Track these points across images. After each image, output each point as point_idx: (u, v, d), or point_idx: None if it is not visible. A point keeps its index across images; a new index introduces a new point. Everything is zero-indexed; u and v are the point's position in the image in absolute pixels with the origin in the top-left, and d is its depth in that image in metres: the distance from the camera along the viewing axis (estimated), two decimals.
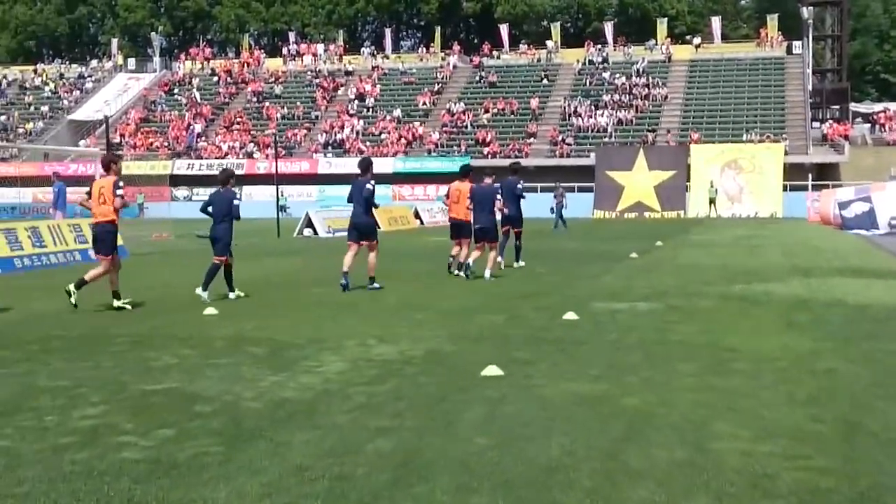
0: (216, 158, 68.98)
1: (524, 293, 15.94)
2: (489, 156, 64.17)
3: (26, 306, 14.40)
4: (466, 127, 69.05)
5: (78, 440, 6.71)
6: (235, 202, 15.55)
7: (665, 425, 7.02)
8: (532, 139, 66.05)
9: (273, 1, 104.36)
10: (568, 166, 61.50)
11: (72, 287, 14.11)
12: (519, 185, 20.76)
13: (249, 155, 69.52)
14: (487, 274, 18.23)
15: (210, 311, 13.53)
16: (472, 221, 18.66)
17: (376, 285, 16.56)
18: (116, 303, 14.13)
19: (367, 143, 68.49)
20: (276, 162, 39.71)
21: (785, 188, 58.35)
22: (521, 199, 20.85)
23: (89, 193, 14.40)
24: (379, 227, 17.14)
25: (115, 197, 14.09)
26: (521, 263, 20.74)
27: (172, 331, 11.83)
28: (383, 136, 69.19)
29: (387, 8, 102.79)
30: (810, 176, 59.36)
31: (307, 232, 36.15)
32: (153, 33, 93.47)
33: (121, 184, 14.21)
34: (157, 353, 10.21)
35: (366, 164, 17.21)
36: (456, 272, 18.85)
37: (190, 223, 43.15)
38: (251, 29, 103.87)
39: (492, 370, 8.96)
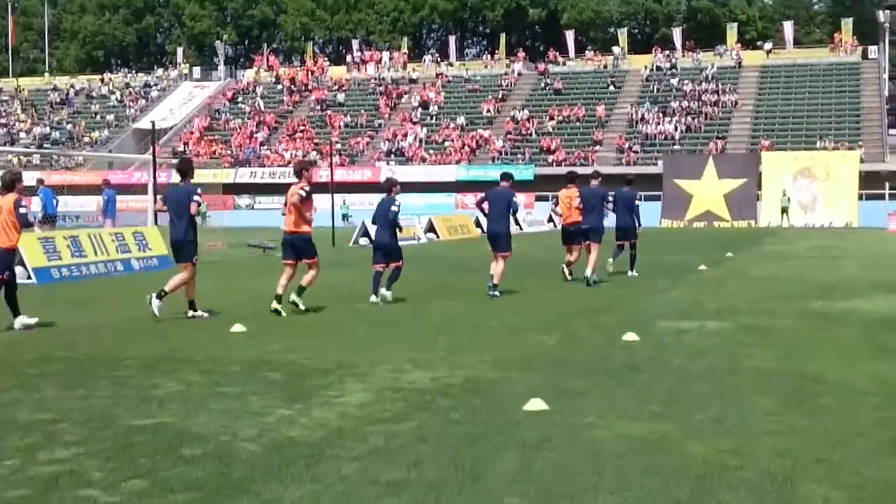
0: (279, 166, 68.41)
1: (582, 309, 14.68)
2: (553, 164, 62.80)
3: (43, 321, 13.43)
4: (531, 134, 67.73)
5: (30, 494, 5.61)
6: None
7: (740, 483, 5.74)
8: (598, 147, 64.55)
9: (338, 9, 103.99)
10: (635, 174, 59.84)
11: (152, 297, 13.60)
12: (635, 197, 21.25)
13: (312, 163, 68.74)
14: (589, 272, 18.51)
15: (238, 328, 12.46)
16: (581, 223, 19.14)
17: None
18: (191, 313, 14.00)
19: (430, 151, 67.51)
20: (332, 170, 38.64)
21: (860, 197, 56.19)
22: (636, 210, 21.15)
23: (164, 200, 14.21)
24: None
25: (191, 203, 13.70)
26: (635, 273, 20.64)
27: (190, 352, 10.75)
28: (446, 143, 68.14)
29: (451, 15, 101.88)
30: (887, 184, 57.14)
31: (363, 241, 35.10)
32: (218, 41, 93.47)
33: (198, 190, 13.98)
34: (164, 378, 9.12)
35: (389, 184, 16.75)
36: (569, 278, 19.19)
37: (249, 232, 42.49)
38: (316, 37, 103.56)
39: (536, 404, 7.74)
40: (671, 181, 58.74)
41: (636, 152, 63.07)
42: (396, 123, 71.94)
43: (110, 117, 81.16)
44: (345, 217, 60.15)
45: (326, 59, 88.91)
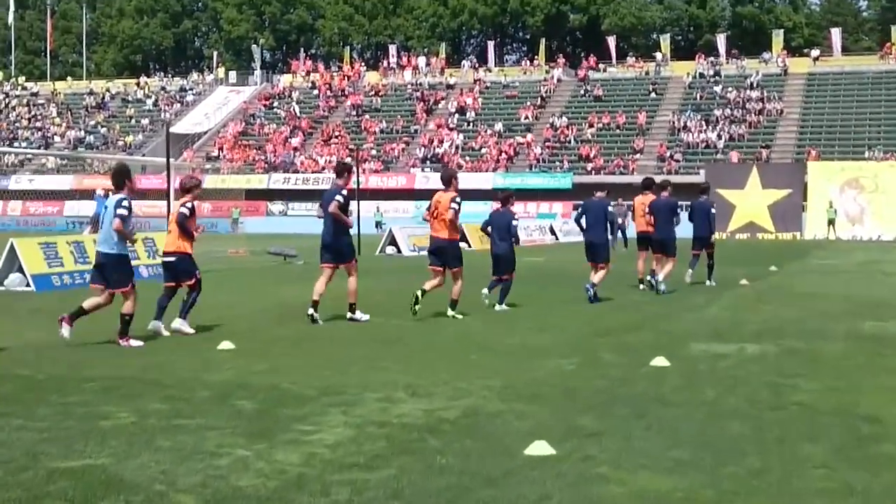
0: (312, 172, 67.57)
1: (609, 327, 13.41)
2: (592, 172, 61.41)
3: (18, 335, 12.37)
4: (569, 142, 66.35)
5: None
6: (514, 222, 15.84)
7: None
8: (639, 155, 63.07)
9: (376, 14, 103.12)
10: (676, 183, 58.21)
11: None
12: (712, 206, 20.96)
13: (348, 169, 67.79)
14: (662, 285, 18.24)
15: (226, 345, 11.33)
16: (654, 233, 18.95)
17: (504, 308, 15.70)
18: (349, 315, 14.00)
19: (467, 158, 66.32)
20: (358, 176, 37.58)
21: None
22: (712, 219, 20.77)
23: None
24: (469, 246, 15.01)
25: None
26: (713, 283, 20.41)
27: (163, 373, 9.63)
28: (483, 150, 66.94)
29: (491, 20, 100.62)
30: None
31: (390, 250, 34.01)
32: (254, 46, 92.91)
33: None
34: (119, 406, 7.99)
35: (506, 195, 16.74)
36: (641, 287, 19.13)
37: (276, 239, 41.56)
38: (354, 42, 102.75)
39: (540, 447, 6.53)
40: (713, 191, 57.06)
41: (677, 161, 61.54)
42: (433, 129, 70.83)
43: (145, 121, 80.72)
44: (378, 224, 59.12)
45: (364, 64, 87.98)
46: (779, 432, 7.17)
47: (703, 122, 64.85)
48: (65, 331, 11.40)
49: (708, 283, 20.35)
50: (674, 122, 65.50)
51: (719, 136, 63.23)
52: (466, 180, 63.35)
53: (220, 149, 73.10)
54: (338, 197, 13.55)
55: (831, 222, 53.75)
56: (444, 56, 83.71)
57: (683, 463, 6.30)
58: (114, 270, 11.62)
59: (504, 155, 65.72)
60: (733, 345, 11.75)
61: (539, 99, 72.12)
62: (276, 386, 8.86)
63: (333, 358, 10.64)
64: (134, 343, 11.54)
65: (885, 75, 66.79)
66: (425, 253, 14.51)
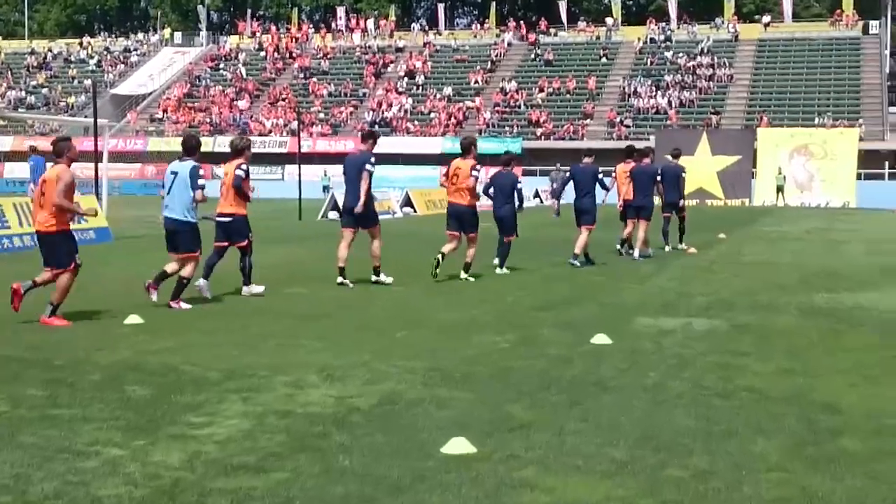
0: (259, 135, 66.20)
1: (551, 300, 12.64)
2: (542, 137, 60.70)
3: None
4: (519, 107, 65.50)
5: None
6: (518, 185, 15.68)
7: None
8: (588, 120, 62.36)
9: None
10: (624, 150, 57.73)
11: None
12: (683, 171, 20.84)
13: (293, 133, 66.60)
14: (636, 253, 18.40)
15: (133, 319, 10.42)
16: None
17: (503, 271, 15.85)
18: (374, 277, 13.95)
19: (415, 122, 65.27)
20: (300, 139, 36.54)
21: (859, 176, 54.11)
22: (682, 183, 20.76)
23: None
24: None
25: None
26: (684, 246, 20.51)
27: (53, 351, 8.70)
28: (432, 115, 65.92)
29: None
30: (887, 164, 55.12)
31: (333, 215, 32.94)
32: (200, 6, 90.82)
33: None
34: None
35: (509, 158, 16.60)
36: (625, 253, 19.01)
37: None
38: (302, 3, 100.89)
39: (459, 445, 5.74)
40: (662, 157, 56.54)
41: (628, 126, 60.93)
42: (381, 93, 69.64)
43: (88, 82, 78.55)
44: (325, 189, 57.98)
45: (312, 26, 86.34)
46: (728, 424, 6.43)
47: (654, 88, 64.27)
48: (153, 296, 11.64)
49: (680, 246, 20.34)
50: (624, 88, 64.86)
51: (669, 102, 62.68)
52: (415, 145, 62.51)
53: (165, 111, 71.44)
54: (368, 167, 13.56)
55: (780, 189, 53.44)
56: (394, 19, 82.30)
57: (620, 464, 5.53)
58: (183, 238, 11.81)
59: (453, 119, 64.76)
60: (680, 319, 11.04)
61: (489, 63, 71.13)
62: (176, 368, 7.99)
63: (248, 334, 9.78)
64: (184, 305, 11.63)
65: (835, 42, 66.61)
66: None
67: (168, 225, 11.93)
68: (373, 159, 13.75)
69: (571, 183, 17.64)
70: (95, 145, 26.56)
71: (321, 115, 67.72)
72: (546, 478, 5.26)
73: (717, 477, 5.32)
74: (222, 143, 65.88)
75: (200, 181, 11.64)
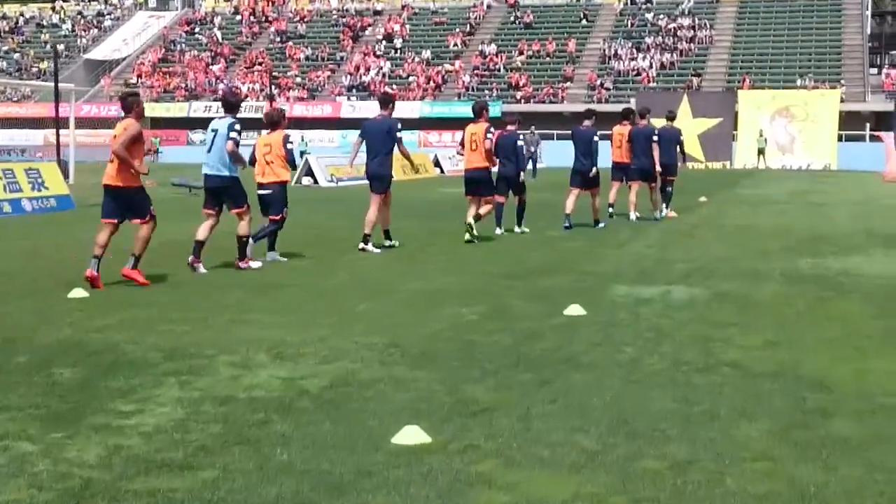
0: None
1: (525, 268, 12.08)
2: (521, 100, 59.97)
3: None
4: (499, 70, 64.70)
5: None
6: (519, 143, 16.10)
7: None
8: (569, 83, 61.61)
9: None
10: (606, 112, 56.91)
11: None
12: (680, 134, 20.35)
13: (270, 98, 65.64)
14: (633, 216, 18.48)
15: (77, 293, 9.81)
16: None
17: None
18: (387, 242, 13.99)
19: (394, 86, 64.32)
20: (272, 102, 35.69)
21: (840, 138, 53.66)
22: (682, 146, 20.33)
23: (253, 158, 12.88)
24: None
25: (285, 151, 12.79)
26: (668, 212, 19.99)
27: None
28: (411, 78, 65.05)
29: None
30: (868, 126, 54.63)
31: (306, 181, 32.27)
32: None
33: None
34: None
35: (513, 120, 16.85)
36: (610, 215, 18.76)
37: (197, 169, 39.58)
38: None
39: (412, 434, 5.18)
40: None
41: (608, 89, 60.25)
42: (359, 57, 68.67)
43: (60, 47, 77.15)
44: (303, 154, 57.12)
45: None
46: (709, 405, 5.89)
47: (634, 50, 63.56)
48: (201, 268, 11.55)
49: (665, 212, 19.61)
50: (604, 50, 64.14)
51: (650, 64, 62.00)
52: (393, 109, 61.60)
53: (139, 76, 70.33)
54: (397, 135, 13.67)
55: (761, 151, 52.99)
56: None
57: (591, 455, 4.97)
58: (229, 193, 11.82)
59: (432, 83, 63.96)
60: (659, 287, 10.49)
61: (468, 26, 70.22)
62: (115, 347, 7.39)
63: (199, 308, 9.17)
64: (254, 264, 11.80)
65: (815, 3, 65.87)
66: (345, 184, 13.49)
67: (210, 183, 11.93)
68: (399, 125, 13.79)
69: (572, 145, 17.57)
70: (56, 111, 25.68)
71: (298, 80, 66.79)
72: (507, 472, 4.71)
73: (696, 468, 4.77)
74: (197, 109, 65.09)
75: (233, 133, 11.56)
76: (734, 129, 54.79)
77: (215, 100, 66.11)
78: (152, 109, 65.75)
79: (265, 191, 12.81)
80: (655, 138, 18.87)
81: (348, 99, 63.86)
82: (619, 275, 11.45)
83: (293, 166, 13.16)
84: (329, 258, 12.86)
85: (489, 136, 14.90)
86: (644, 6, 68.53)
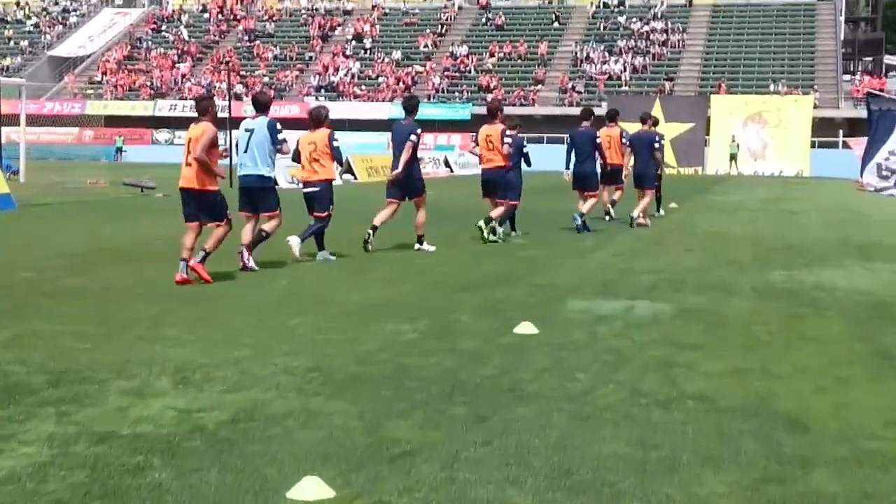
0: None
1: (478, 279, 11.22)
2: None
3: None
4: (469, 72, 63.90)
5: None
6: (506, 139, 15.10)
7: None
8: (540, 86, 60.92)
9: None
10: (577, 116, 56.20)
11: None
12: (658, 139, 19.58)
13: (237, 97, 64.52)
14: (635, 213, 18.09)
15: None
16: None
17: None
18: (417, 245, 13.87)
19: (363, 87, 63.51)
20: (230, 101, 34.91)
21: (812, 145, 53.15)
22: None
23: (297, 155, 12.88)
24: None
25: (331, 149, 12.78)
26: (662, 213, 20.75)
27: None
28: (380, 79, 64.14)
29: None
30: (841, 132, 54.18)
31: None
32: None
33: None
34: None
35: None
36: (607, 218, 18.80)
37: (160, 169, 38.60)
38: None
39: (311, 488, 4.32)
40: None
41: (580, 93, 59.56)
42: (328, 57, 67.68)
43: (24, 43, 75.96)
44: None
45: None
46: (668, 449, 5.04)
47: (606, 53, 62.94)
48: (251, 263, 11.49)
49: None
50: (576, 53, 63.50)
51: (623, 68, 61.38)
52: (361, 110, 60.72)
53: (104, 73, 69.09)
54: (412, 137, 13.54)
55: (733, 157, 52.47)
56: None
57: None
58: (264, 196, 11.80)
59: (401, 84, 63.06)
60: (621, 302, 9.66)
61: (439, 27, 69.44)
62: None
63: (111, 321, 8.26)
64: (251, 263, 11.48)
65: (789, 8, 65.56)
66: (301, 186, 13.00)
67: (245, 183, 11.84)
68: (419, 130, 13.73)
69: (573, 149, 17.10)
70: None
71: (266, 79, 65.75)
72: None
73: None
74: (162, 107, 63.93)
75: (280, 135, 11.63)
76: (706, 134, 54.19)
77: (181, 98, 65.15)
78: (117, 108, 64.70)
79: (312, 188, 12.82)
80: (657, 144, 18.88)
81: (316, 99, 62.80)
82: (580, 287, 10.61)
83: (340, 163, 13.22)
84: (272, 266, 11.94)
85: (507, 139, 14.88)
86: (617, 9, 67.99)
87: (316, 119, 12.81)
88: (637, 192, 18.81)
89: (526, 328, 8.06)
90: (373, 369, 6.71)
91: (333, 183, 13.09)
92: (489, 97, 60.11)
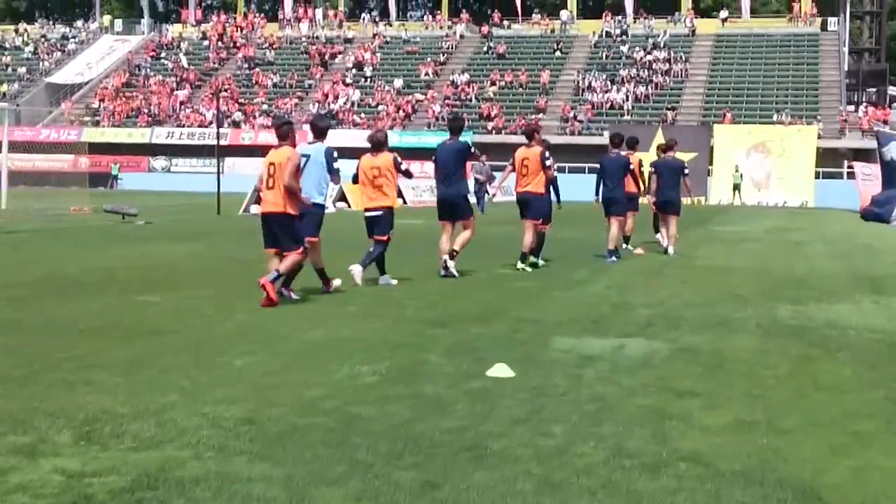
0: (199, 127, 63.51)
1: (457, 314, 10.24)
2: (493, 131, 58.46)
3: None
4: (470, 100, 63.17)
5: None
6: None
7: None
8: (541, 115, 60.10)
9: None
10: (579, 145, 55.51)
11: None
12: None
13: (235, 124, 63.91)
14: (671, 250, 17.87)
15: None
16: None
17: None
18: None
19: (363, 115, 62.78)
20: (218, 128, 34.03)
21: (817, 175, 52.26)
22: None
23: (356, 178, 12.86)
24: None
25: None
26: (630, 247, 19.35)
27: None
28: (380, 107, 63.41)
29: None
30: (845, 162, 53.30)
31: (254, 209, 30.32)
32: None
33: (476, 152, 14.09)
34: None
35: (620, 139, 17.16)
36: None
37: (158, 197, 37.88)
38: None
39: None
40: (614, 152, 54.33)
41: (581, 122, 58.78)
42: (328, 85, 66.99)
43: (22, 70, 75.40)
44: None
45: (258, 14, 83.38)
46: None
47: (609, 82, 62.20)
48: (294, 295, 11.17)
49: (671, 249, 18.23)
50: (578, 82, 62.76)
51: (626, 97, 60.65)
52: (361, 138, 59.76)
53: (101, 100, 68.42)
54: (470, 155, 14.04)
55: (737, 187, 51.57)
56: (344, 9, 79.69)
57: None
58: (308, 220, 11.31)
59: (402, 112, 62.34)
60: (611, 340, 8.72)
61: (441, 55, 68.81)
62: None
63: (37, 360, 7.33)
64: (293, 295, 11.13)
65: (793, 38, 64.86)
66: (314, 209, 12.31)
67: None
68: (473, 148, 14.17)
69: (603, 176, 16.90)
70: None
71: (265, 107, 65.08)
72: None
73: None
74: (160, 135, 63.20)
75: (336, 164, 11.58)
76: (709, 164, 53.33)
77: (178, 126, 64.48)
78: (114, 135, 63.99)
79: (374, 213, 12.76)
80: (686, 171, 18.71)
81: None
82: (567, 323, 9.66)
83: (405, 173, 13.14)
84: (230, 297, 11.02)
85: (547, 161, 14.69)
86: (619, 39, 67.30)
87: (376, 143, 12.75)
88: (662, 218, 18.64)
89: (500, 370, 7.14)
90: (316, 420, 5.79)
91: (389, 211, 12.84)
92: (489, 125, 59.51)
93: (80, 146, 57.13)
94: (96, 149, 62.75)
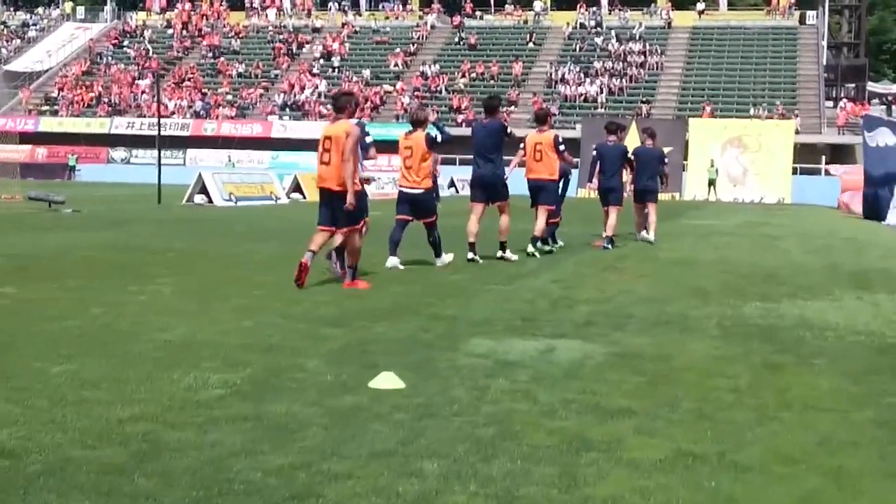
0: (162, 117, 61.55)
1: (367, 310, 8.62)
2: (463, 124, 56.81)
3: None
4: (440, 92, 61.59)
5: None
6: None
7: None
8: (513, 107, 58.54)
9: None
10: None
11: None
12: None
13: (197, 115, 62.12)
14: (652, 237, 17.59)
15: None
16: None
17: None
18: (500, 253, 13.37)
19: (329, 106, 60.96)
20: (160, 118, 32.32)
21: (794, 171, 50.93)
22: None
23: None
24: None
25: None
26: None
27: None
28: None
29: None
30: (823, 158, 52.04)
31: (199, 199, 28.69)
32: None
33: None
34: None
35: (615, 127, 17.18)
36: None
37: (116, 188, 36.15)
38: None
39: None
40: (590, 147, 52.86)
41: (554, 115, 57.16)
42: (295, 75, 65.24)
43: None
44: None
45: (223, 2, 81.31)
46: None
47: (582, 75, 60.74)
48: (336, 267, 10.78)
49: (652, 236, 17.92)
50: (551, 74, 61.26)
51: (599, 90, 59.20)
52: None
53: (61, 89, 66.44)
54: (505, 135, 13.18)
55: (712, 183, 50.19)
56: None
57: None
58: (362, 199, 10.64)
59: (369, 104, 60.65)
60: (538, 341, 7.18)
61: (411, 46, 67.17)
62: None
63: None
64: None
65: (770, 31, 63.64)
66: (244, 204, 10.86)
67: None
68: (509, 129, 13.50)
69: (599, 163, 16.66)
70: None
71: (229, 97, 63.32)
72: None
73: None
74: (119, 125, 61.31)
75: (368, 138, 10.93)
76: (684, 158, 51.90)
77: (139, 116, 62.65)
78: (72, 125, 62.08)
79: (414, 190, 12.31)
80: (666, 160, 18.57)
81: (280, 118, 60.45)
82: (491, 321, 8.08)
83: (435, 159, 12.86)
84: (102, 288, 9.42)
85: (561, 146, 14.30)
86: (594, 30, 65.84)
87: (416, 121, 12.33)
88: (636, 207, 18.09)
89: (386, 381, 5.59)
90: (102, 453, 4.22)
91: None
92: (460, 118, 57.92)
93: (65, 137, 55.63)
94: (54, 139, 60.93)
